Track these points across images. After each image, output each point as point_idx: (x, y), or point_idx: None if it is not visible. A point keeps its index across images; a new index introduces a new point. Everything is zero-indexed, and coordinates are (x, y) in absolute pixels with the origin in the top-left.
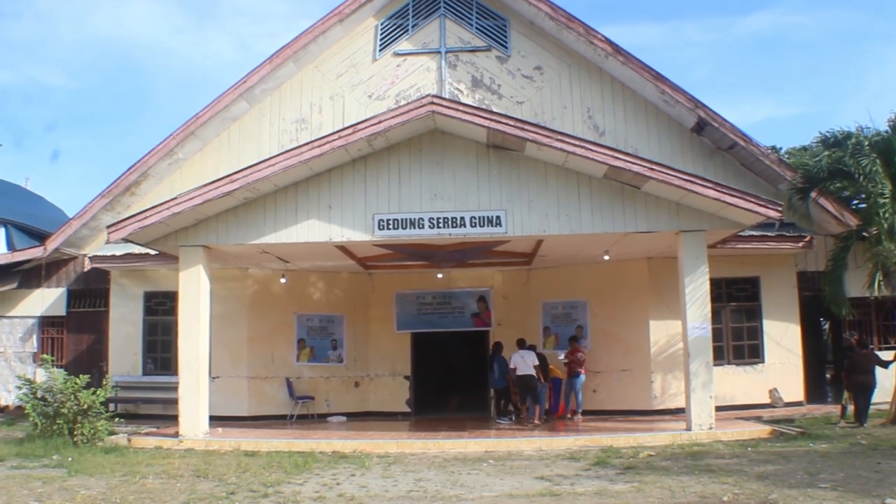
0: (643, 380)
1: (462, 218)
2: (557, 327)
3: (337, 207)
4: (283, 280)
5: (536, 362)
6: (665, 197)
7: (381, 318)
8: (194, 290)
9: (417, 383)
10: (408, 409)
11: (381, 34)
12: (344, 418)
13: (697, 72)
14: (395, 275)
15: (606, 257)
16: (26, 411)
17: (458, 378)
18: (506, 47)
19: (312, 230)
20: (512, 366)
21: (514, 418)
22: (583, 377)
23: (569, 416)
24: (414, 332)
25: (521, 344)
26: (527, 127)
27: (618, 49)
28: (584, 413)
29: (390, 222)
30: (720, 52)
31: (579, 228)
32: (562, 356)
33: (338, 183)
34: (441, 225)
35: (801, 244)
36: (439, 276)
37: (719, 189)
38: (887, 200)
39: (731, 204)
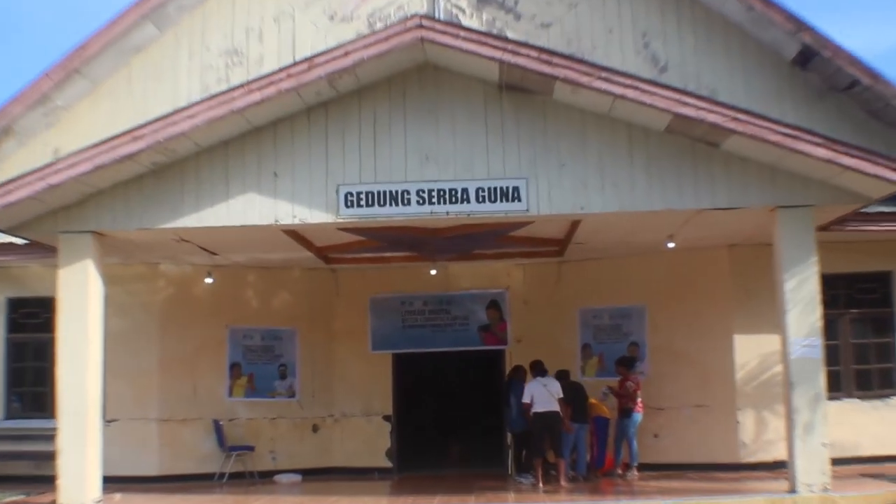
0: (726, 420)
1: (465, 190)
2: (602, 345)
3: (286, 176)
4: (209, 280)
5: (561, 394)
6: (755, 158)
7: (349, 334)
8: (81, 297)
9: (402, 426)
10: (388, 464)
11: None
12: (298, 477)
13: None
14: (370, 272)
15: (671, 245)
16: None
17: (460, 418)
18: None
19: (251, 209)
20: (526, 399)
21: (537, 477)
22: (638, 416)
23: (619, 471)
24: (397, 354)
25: (539, 368)
26: (556, 60)
27: None
28: (642, 467)
29: (362, 197)
30: None
31: (632, 204)
32: (604, 391)
33: (287, 141)
34: (435, 200)
35: None
36: (433, 272)
37: (834, 147)
38: None
39: (850, 168)
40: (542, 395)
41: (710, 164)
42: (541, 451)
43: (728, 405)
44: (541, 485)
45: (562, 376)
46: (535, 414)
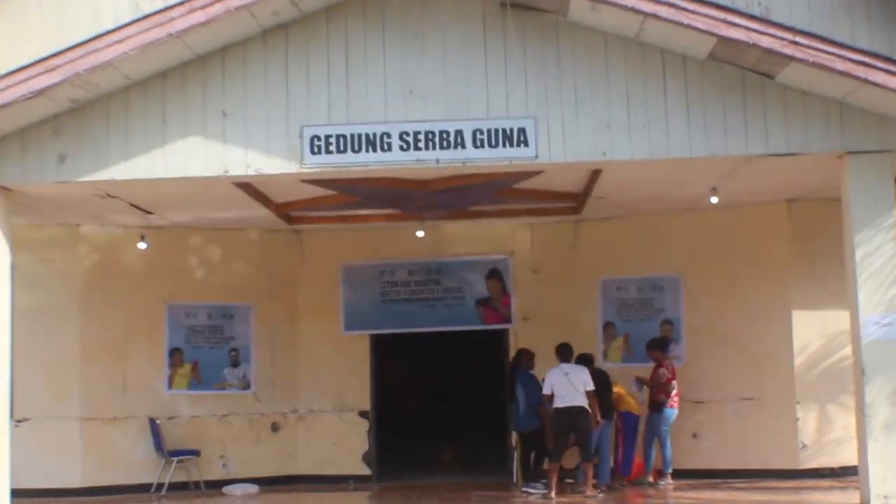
0: (781, 416)
1: (459, 133)
2: (629, 323)
3: (237, 116)
4: (142, 246)
5: (591, 385)
6: (819, 92)
7: (317, 311)
8: None
9: (383, 424)
10: (366, 471)
11: None
12: (254, 488)
13: None
14: (343, 234)
15: (714, 200)
16: None
17: (454, 414)
18: None
19: (194, 156)
20: (547, 391)
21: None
22: (672, 412)
23: (650, 479)
24: (376, 335)
25: (565, 353)
26: None
27: None
28: (677, 474)
29: (332, 141)
30: None
31: (666, 149)
32: (635, 382)
33: (238, 72)
34: (421, 145)
35: None
36: (420, 234)
37: None
38: None
39: None
40: (564, 387)
41: (762, 100)
42: (559, 454)
43: (784, 398)
44: (554, 495)
45: (583, 362)
46: (556, 410)
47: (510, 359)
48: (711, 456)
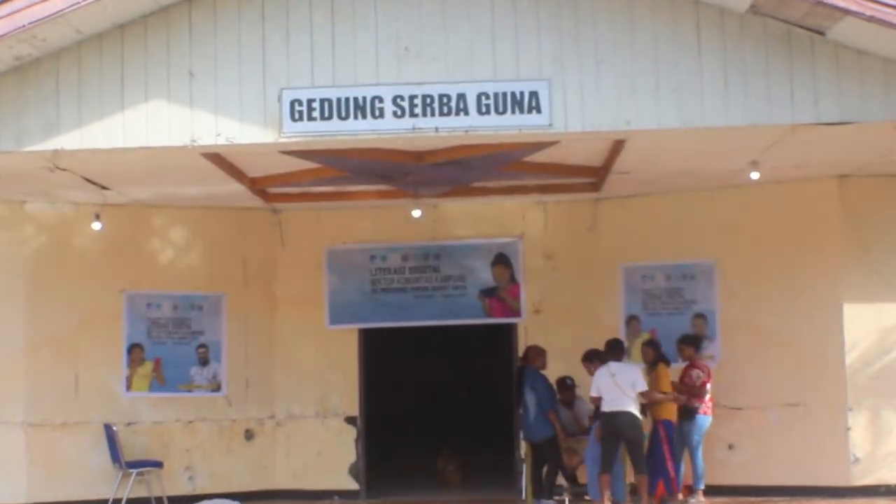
0: (831, 424)
1: (461, 97)
2: (656, 317)
3: (206, 76)
4: (97, 226)
5: (641, 385)
6: (877, 52)
7: (298, 302)
8: None
9: (373, 432)
10: (353, 485)
11: None
12: None
13: None
14: (327, 213)
15: (755, 175)
16: None
17: (453, 420)
18: None
19: (157, 123)
20: (594, 393)
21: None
22: (705, 420)
23: (679, 496)
24: (365, 330)
25: (615, 350)
26: None
27: None
28: (710, 491)
29: (315, 106)
30: None
31: (699, 117)
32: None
33: (208, 27)
34: (418, 111)
35: None
36: (416, 214)
37: None
38: None
39: None
40: (610, 389)
41: (812, 60)
42: (609, 464)
43: (834, 403)
44: None
45: (613, 350)
46: (602, 415)
47: (519, 358)
48: (749, 470)
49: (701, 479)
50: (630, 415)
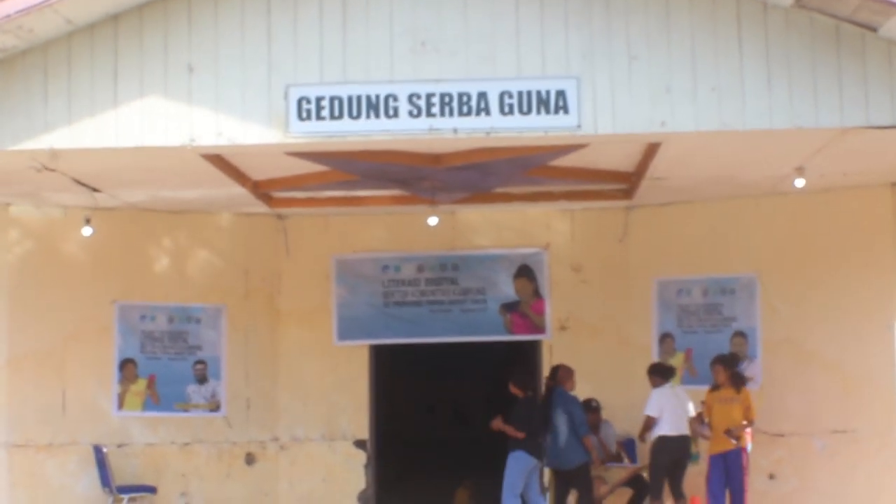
0: (881, 452)
1: (482, 95)
2: (692, 335)
3: (207, 71)
4: (87, 231)
5: (693, 412)
6: None
7: (304, 315)
8: None
9: (385, 457)
10: None
11: None
12: None
13: None
14: (336, 220)
15: (800, 183)
16: None
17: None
18: None
19: (153, 121)
20: (654, 412)
21: None
22: (747, 447)
23: None
24: (376, 346)
25: (668, 373)
26: None
27: None
28: None
29: (324, 104)
30: None
31: (740, 120)
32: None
33: (209, 18)
34: (436, 110)
35: None
36: (432, 221)
37: None
38: None
39: None
40: (675, 410)
41: (862, 59)
42: (660, 491)
43: (884, 430)
44: None
45: (661, 372)
46: (663, 438)
47: (547, 378)
48: (792, 502)
49: None
50: (689, 440)
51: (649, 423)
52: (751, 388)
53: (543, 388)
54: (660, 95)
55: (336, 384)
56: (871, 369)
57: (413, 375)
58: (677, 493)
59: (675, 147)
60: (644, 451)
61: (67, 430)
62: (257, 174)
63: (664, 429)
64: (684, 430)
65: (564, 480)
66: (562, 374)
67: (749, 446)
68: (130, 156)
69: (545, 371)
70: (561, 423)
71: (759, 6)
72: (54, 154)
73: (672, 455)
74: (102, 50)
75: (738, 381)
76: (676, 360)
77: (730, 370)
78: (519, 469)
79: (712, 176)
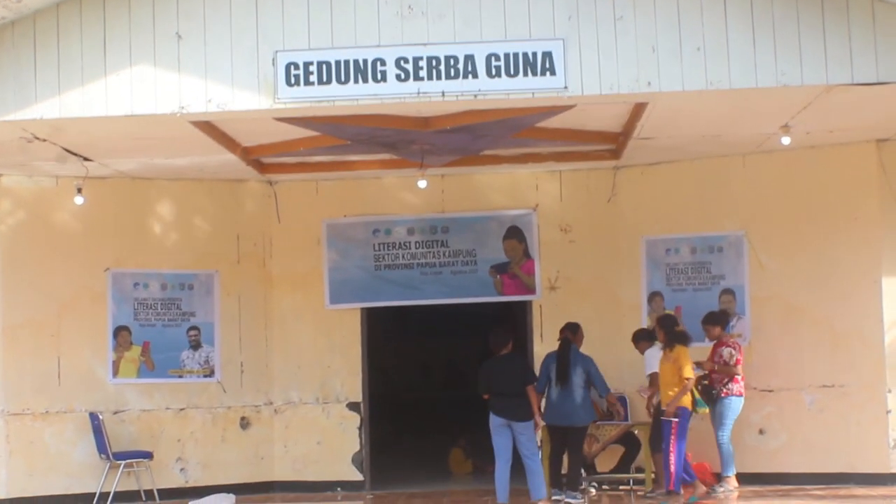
0: (868, 407)
1: (469, 58)
2: (680, 293)
3: (195, 38)
4: (79, 200)
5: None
6: None
7: (296, 280)
8: None
9: (378, 419)
10: (357, 476)
11: None
12: (227, 501)
13: None
14: (326, 185)
15: (786, 140)
16: None
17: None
18: None
19: (142, 89)
20: (657, 368)
21: (595, 489)
22: (740, 402)
23: (701, 491)
24: (368, 309)
25: (647, 336)
26: None
27: None
28: (738, 478)
29: (312, 69)
30: None
31: (726, 78)
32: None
33: None
34: (423, 74)
35: None
36: (421, 184)
37: None
38: None
39: None
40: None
41: (846, 17)
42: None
43: (872, 385)
44: None
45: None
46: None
47: (561, 335)
48: (781, 456)
49: (731, 466)
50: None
51: (655, 378)
52: (739, 343)
53: (560, 342)
54: (646, 56)
55: (329, 347)
56: (859, 324)
57: (405, 337)
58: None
59: (661, 107)
60: (638, 409)
61: (63, 398)
62: (247, 140)
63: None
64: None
65: (562, 437)
66: (581, 332)
67: (732, 401)
68: (121, 124)
69: (537, 331)
70: (580, 381)
71: None
72: (35, 124)
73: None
74: (91, 19)
75: (671, 340)
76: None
77: (665, 328)
78: (492, 429)
79: (699, 135)
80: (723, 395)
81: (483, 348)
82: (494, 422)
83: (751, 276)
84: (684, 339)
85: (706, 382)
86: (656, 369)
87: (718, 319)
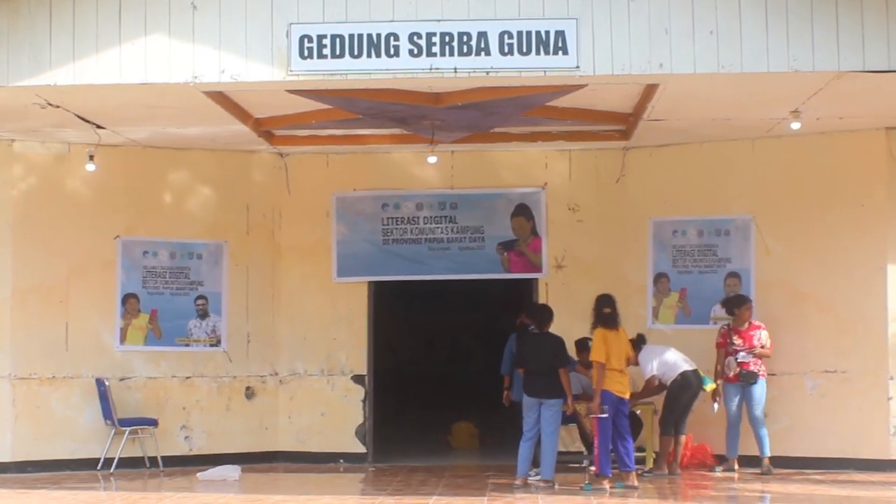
0: (870, 393)
1: (482, 35)
2: (686, 276)
3: (210, 7)
4: (90, 168)
5: None
6: None
7: (304, 252)
8: None
9: (382, 392)
10: (360, 448)
11: None
12: (235, 473)
13: None
14: (337, 158)
15: (796, 126)
16: None
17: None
18: None
19: (157, 58)
20: (654, 370)
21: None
22: (762, 384)
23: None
24: (376, 283)
25: (636, 343)
26: None
27: None
28: (740, 462)
29: (326, 43)
30: None
31: (738, 62)
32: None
33: None
34: (436, 50)
35: None
36: (431, 160)
37: None
38: None
39: None
40: (670, 351)
41: (859, 3)
42: (670, 428)
43: (875, 372)
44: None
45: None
46: (685, 374)
47: (596, 308)
48: (783, 441)
49: (767, 447)
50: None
51: (653, 381)
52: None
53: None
54: (658, 37)
55: (335, 320)
56: (863, 310)
57: (411, 311)
58: (681, 430)
59: (672, 89)
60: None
61: (70, 364)
62: (259, 112)
63: (682, 366)
64: (693, 363)
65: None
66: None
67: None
68: (134, 93)
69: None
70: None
71: None
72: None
73: (694, 389)
74: None
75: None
76: (671, 300)
77: (594, 308)
78: (524, 406)
79: (709, 118)
80: (761, 375)
81: (486, 324)
82: (527, 401)
83: (757, 260)
84: (605, 320)
85: (742, 364)
86: (656, 371)
87: (740, 302)
